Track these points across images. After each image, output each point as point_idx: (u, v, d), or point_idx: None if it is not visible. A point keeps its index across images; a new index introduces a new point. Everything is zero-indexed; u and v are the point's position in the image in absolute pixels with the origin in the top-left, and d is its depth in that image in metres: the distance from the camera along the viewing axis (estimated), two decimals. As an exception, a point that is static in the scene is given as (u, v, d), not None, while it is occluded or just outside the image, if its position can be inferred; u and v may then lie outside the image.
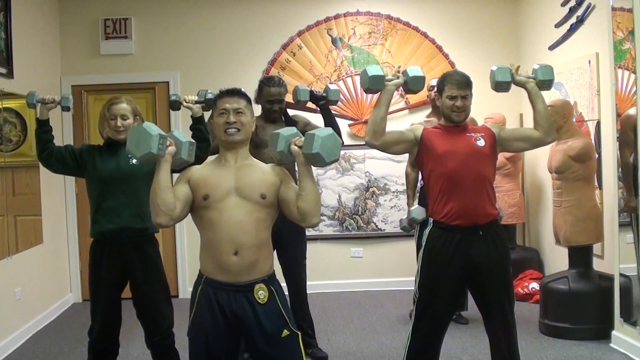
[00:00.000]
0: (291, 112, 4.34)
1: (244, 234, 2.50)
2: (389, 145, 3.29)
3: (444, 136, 3.27)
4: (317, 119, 4.33)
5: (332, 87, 4.26)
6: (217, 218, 2.51)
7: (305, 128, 4.26)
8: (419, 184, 4.77)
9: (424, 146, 3.26)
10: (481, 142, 3.24)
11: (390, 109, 5.88)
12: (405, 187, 5.02)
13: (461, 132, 3.27)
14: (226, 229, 2.50)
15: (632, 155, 4.10)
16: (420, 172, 4.85)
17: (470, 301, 3.43)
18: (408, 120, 5.78)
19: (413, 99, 5.98)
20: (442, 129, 3.32)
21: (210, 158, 2.77)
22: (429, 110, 5.03)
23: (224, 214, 2.50)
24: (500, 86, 3.25)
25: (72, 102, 3.53)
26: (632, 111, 4.08)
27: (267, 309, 2.53)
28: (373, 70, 3.16)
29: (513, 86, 3.29)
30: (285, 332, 2.55)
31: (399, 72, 3.26)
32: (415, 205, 4.70)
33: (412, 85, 3.21)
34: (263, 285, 2.55)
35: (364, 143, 6.03)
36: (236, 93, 2.67)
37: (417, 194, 4.78)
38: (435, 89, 3.47)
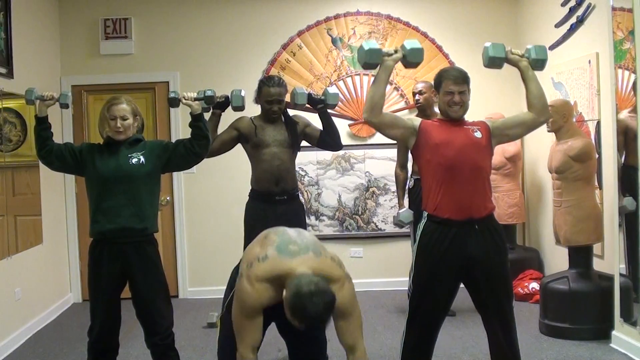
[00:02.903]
0: (291, 112, 4.33)
1: None
2: (386, 126, 3.23)
3: (442, 128, 3.24)
4: (316, 119, 4.32)
5: (331, 90, 4.24)
6: None
7: (305, 129, 4.26)
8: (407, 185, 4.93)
9: (421, 136, 3.22)
10: (478, 134, 3.21)
11: (391, 109, 5.94)
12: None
13: (459, 125, 3.25)
14: None
15: (623, 157, 4.20)
16: (415, 166, 4.93)
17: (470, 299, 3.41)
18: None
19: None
20: (439, 122, 3.29)
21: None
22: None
23: None
24: (493, 62, 3.20)
25: (70, 100, 3.52)
26: (621, 115, 4.18)
27: None
28: (369, 44, 3.12)
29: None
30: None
31: (396, 50, 3.17)
32: (405, 208, 4.79)
33: (411, 57, 3.13)
34: None
35: (364, 143, 6.10)
36: None
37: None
38: (432, 85, 3.47)
